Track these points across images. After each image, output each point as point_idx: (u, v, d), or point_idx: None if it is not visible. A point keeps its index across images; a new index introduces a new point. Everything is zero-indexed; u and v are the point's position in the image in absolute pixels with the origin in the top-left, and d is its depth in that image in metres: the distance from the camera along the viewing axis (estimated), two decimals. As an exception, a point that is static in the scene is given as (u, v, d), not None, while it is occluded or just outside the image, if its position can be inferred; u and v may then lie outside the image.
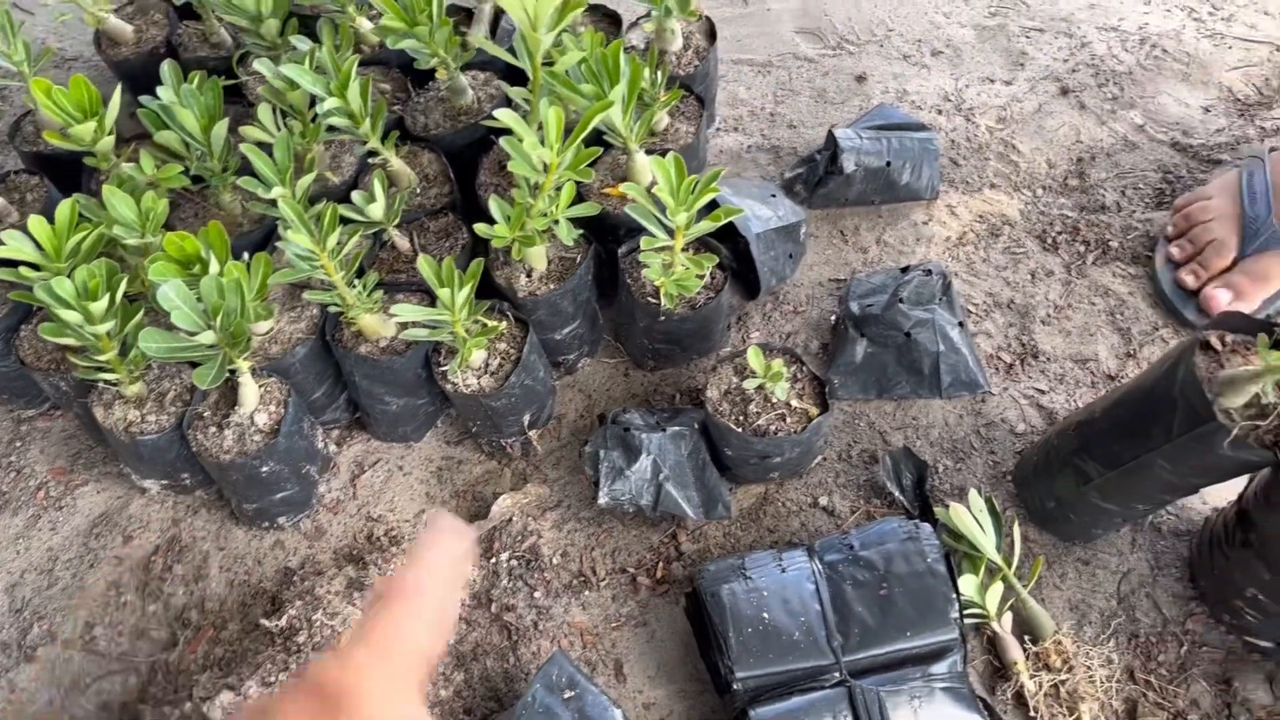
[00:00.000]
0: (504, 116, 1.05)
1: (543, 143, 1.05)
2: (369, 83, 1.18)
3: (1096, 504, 1.07)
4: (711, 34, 1.45)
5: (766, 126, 1.61)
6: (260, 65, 1.21)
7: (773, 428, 1.14)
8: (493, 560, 1.18)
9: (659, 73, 1.26)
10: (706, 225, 1.10)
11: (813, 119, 1.62)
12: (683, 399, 1.30)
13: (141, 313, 1.11)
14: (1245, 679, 1.03)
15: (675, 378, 1.32)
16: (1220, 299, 1.28)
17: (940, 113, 1.59)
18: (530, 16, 1.02)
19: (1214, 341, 0.92)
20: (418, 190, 1.32)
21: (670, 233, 1.13)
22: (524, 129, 1.05)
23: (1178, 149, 1.51)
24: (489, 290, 1.24)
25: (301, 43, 1.26)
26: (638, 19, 1.49)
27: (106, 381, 1.17)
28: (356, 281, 1.15)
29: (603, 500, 1.16)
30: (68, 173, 1.35)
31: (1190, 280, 1.32)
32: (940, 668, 0.99)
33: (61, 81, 1.57)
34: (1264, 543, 0.97)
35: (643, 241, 1.13)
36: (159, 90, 1.21)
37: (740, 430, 1.13)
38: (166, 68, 1.23)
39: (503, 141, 1.08)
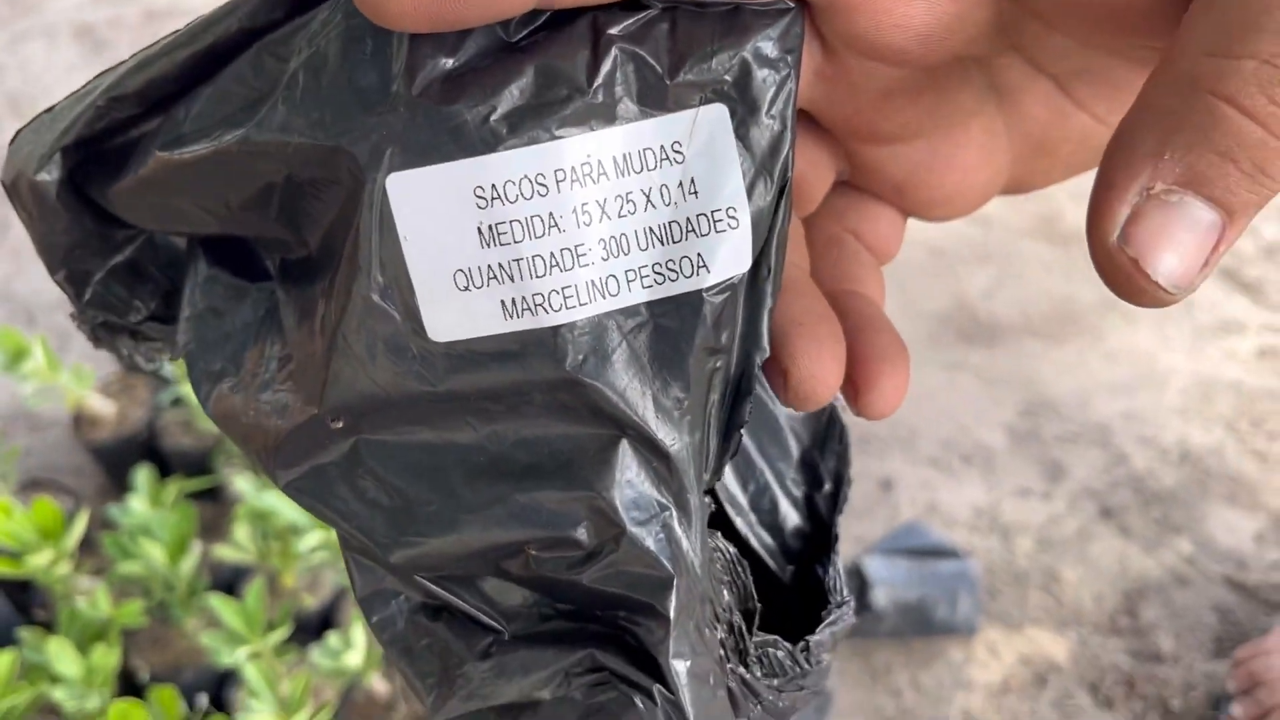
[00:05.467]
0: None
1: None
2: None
3: None
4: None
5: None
6: (241, 482, 1.11)
7: None
8: None
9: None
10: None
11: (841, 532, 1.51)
12: None
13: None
14: None
15: None
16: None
17: (974, 530, 1.49)
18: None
19: None
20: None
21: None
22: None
23: (1233, 587, 1.39)
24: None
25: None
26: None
27: None
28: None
29: None
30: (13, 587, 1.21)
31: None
32: None
33: (38, 450, 1.48)
34: None
35: None
36: (131, 499, 1.11)
37: None
38: (142, 478, 1.13)
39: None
